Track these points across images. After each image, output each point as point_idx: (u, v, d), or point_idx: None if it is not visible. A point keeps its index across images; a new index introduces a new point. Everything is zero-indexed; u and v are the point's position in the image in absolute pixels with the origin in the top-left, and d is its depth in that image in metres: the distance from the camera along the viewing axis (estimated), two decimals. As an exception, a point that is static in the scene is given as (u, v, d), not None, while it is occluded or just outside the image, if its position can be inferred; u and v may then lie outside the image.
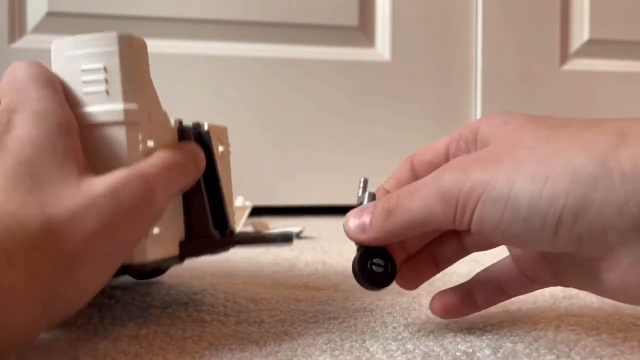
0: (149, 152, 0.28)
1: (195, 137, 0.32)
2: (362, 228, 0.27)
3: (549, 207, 0.21)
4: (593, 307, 0.35)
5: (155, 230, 0.29)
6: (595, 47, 1.07)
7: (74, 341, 0.28)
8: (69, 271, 0.23)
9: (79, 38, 0.29)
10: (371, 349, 0.27)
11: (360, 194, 0.30)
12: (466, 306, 0.30)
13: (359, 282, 0.28)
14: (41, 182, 0.24)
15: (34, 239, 0.22)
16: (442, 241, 0.31)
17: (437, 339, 0.28)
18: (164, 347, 0.27)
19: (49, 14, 0.92)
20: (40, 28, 0.92)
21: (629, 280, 0.22)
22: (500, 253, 0.30)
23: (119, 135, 0.28)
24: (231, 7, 0.97)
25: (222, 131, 0.36)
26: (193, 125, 0.33)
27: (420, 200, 0.25)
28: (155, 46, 1.02)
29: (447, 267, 0.32)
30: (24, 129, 0.25)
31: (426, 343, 0.28)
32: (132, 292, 0.39)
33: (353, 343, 0.28)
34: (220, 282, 0.43)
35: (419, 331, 0.30)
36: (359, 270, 0.28)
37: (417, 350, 0.27)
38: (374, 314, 0.33)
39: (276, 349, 0.27)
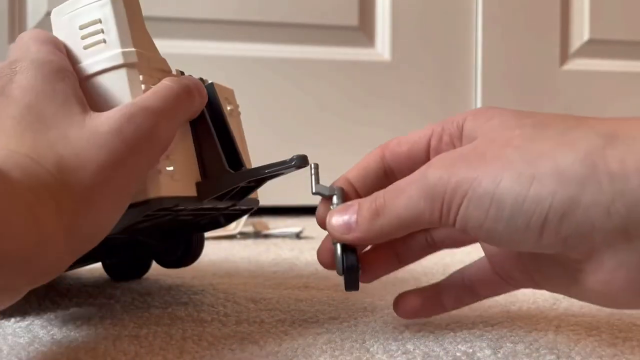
0: None
1: None
2: (348, 228, 0.26)
3: (535, 208, 0.21)
4: (593, 307, 0.35)
5: (169, 167, 0.29)
6: (595, 47, 1.07)
7: (74, 341, 0.28)
8: (86, 203, 0.24)
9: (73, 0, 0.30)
10: (371, 349, 0.27)
11: (314, 182, 0.29)
12: (431, 307, 0.30)
13: (351, 282, 0.28)
14: (47, 123, 0.25)
15: (51, 175, 0.24)
16: (408, 235, 0.29)
17: (437, 339, 0.28)
18: (164, 347, 0.27)
19: (49, 14, 0.92)
20: (40, 28, 0.92)
21: (613, 283, 0.22)
22: (472, 251, 0.30)
23: (121, 78, 0.29)
24: (231, 7, 0.97)
25: (229, 92, 0.36)
26: (197, 78, 0.33)
27: (407, 200, 0.24)
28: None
29: (411, 262, 0.31)
30: (24, 76, 0.27)
31: (426, 343, 0.28)
32: (132, 292, 0.39)
33: (353, 343, 0.28)
34: (220, 282, 0.43)
35: (419, 331, 0.30)
36: (355, 270, 0.28)
37: (417, 351, 0.27)
38: (374, 314, 0.33)
39: (276, 349, 0.27)
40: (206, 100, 0.31)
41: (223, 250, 0.61)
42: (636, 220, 0.20)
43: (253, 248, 0.63)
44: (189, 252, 0.41)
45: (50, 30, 0.31)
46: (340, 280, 0.28)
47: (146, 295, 0.38)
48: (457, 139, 0.26)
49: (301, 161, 0.31)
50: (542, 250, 0.23)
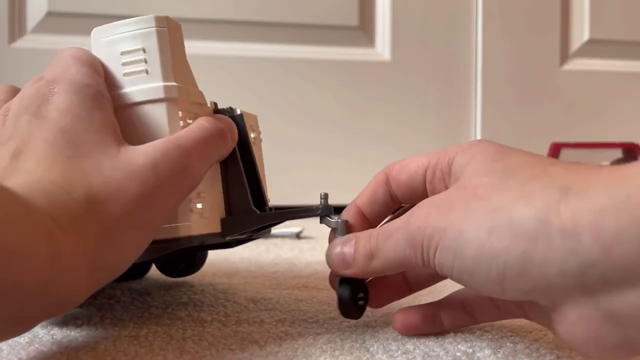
0: None
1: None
2: (345, 263, 0.28)
3: (492, 262, 0.21)
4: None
5: (199, 205, 0.29)
6: (595, 47, 1.07)
7: (74, 341, 0.28)
8: (111, 236, 0.24)
9: (117, 23, 0.30)
10: (371, 349, 0.27)
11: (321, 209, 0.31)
12: (430, 325, 0.30)
13: (348, 314, 0.29)
14: (81, 151, 0.25)
15: (79, 205, 0.23)
16: None
17: (437, 339, 0.28)
18: (164, 347, 0.27)
19: (49, 14, 0.92)
20: (40, 28, 0.92)
21: (576, 335, 0.21)
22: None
23: (160, 112, 0.29)
24: (231, 7, 0.97)
25: (254, 119, 0.36)
26: (226, 108, 0.33)
27: (395, 245, 0.26)
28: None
29: (420, 289, 0.32)
30: (61, 99, 0.26)
31: (426, 343, 0.28)
32: (132, 292, 0.39)
33: (353, 343, 0.28)
34: (220, 282, 0.43)
35: (419, 331, 0.30)
36: (351, 306, 0.29)
37: (417, 351, 0.27)
38: (374, 314, 0.33)
39: (276, 349, 0.27)
40: (236, 141, 0.31)
41: (223, 251, 0.61)
42: (591, 278, 0.20)
43: (253, 248, 0.63)
44: (194, 263, 0.41)
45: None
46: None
47: (146, 295, 0.38)
48: (447, 175, 0.27)
49: (327, 211, 0.31)
50: (509, 299, 0.23)
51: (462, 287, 0.30)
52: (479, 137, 1.04)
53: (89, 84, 0.27)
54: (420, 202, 0.26)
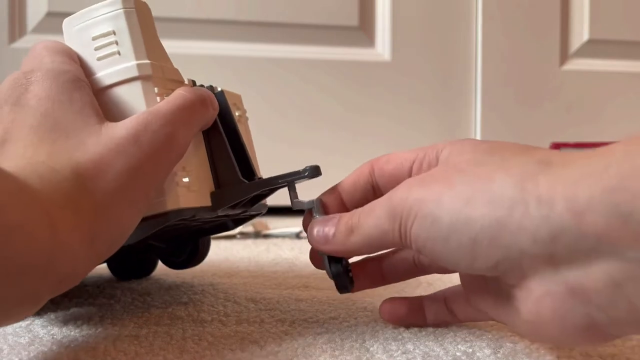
0: None
1: None
2: (326, 240, 0.28)
3: (465, 229, 0.22)
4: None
5: (185, 179, 0.30)
6: (595, 47, 1.07)
7: (74, 341, 0.28)
8: (105, 210, 0.25)
9: (85, 10, 0.30)
10: (371, 349, 0.27)
11: (292, 198, 0.31)
12: (414, 318, 0.30)
13: (341, 285, 0.29)
14: (64, 132, 0.26)
15: (70, 182, 0.24)
16: (395, 254, 0.32)
17: (437, 339, 0.28)
18: (164, 347, 0.27)
19: (49, 14, 0.92)
20: (40, 28, 0.92)
21: (540, 314, 0.21)
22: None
23: (135, 90, 0.29)
24: (231, 7, 0.97)
25: (237, 97, 0.36)
26: (207, 87, 0.33)
27: (376, 219, 0.26)
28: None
29: (395, 281, 0.32)
30: (40, 86, 0.27)
31: (426, 343, 0.28)
32: (132, 292, 0.39)
33: (353, 343, 0.28)
34: (220, 282, 0.43)
35: (420, 331, 0.30)
36: (346, 279, 0.29)
37: (417, 350, 0.27)
38: (374, 313, 0.33)
39: (276, 348, 0.27)
40: (218, 110, 0.32)
41: (223, 250, 0.61)
42: (561, 247, 0.20)
43: (253, 248, 0.63)
44: (197, 253, 0.41)
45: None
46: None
47: (146, 295, 0.38)
48: (434, 166, 0.27)
49: (314, 171, 0.31)
50: (477, 272, 0.23)
51: (446, 287, 0.31)
52: (478, 136, 1.04)
53: (65, 70, 0.28)
54: (405, 180, 0.26)
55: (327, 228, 0.28)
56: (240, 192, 0.32)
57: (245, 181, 0.32)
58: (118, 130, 0.26)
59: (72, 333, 0.30)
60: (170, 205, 0.29)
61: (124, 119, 0.28)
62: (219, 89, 0.34)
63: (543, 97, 1.06)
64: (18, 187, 0.21)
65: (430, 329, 0.30)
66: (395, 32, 1.01)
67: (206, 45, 0.96)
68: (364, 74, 1.01)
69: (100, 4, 0.30)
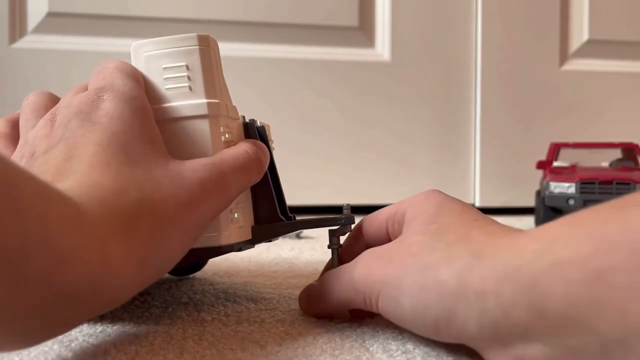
0: (227, 143, 0.31)
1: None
2: (305, 301, 0.34)
3: (425, 314, 0.24)
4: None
5: (237, 215, 0.31)
6: (595, 47, 1.07)
7: (74, 340, 0.28)
8: (159, 238, 0.25)
9: (159, 39, 0.31)
10: (371, 348, 0.27)
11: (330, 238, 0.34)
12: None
13: None
14: (133, 157, 0.26)
15: (130, 208, 0.24)
16: None
17: (437, 338, 0.28)
18: (165, 347, 0.27)
19: (50, 15, 0.92)
20: (40, 28, 0.92)
21: None
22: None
23: (203, 128, 0.30)
24: (230, 7, 0.97)
25: (268, 128, 0.37)
26: (251, 121, 0.35)
27: (341, 289, 0.30)
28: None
29: None
30: (112, 105, 0.27)
31: (426, 343, 0.28)
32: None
33: (353, 343, 0.28)
34: (220, 282, 0.43)
35: (419, 331, 0.30)
36: None
37: (417, 350, 0.27)
38: (374, 313, 0.33)
39: (277, 348, 0.27)
40: (266, 168, 0.33)
41: (223, 250, 0.61)
42: (501, 333, 0.22)
43: (253, 248, 0.63)
44: (200, 263, 0.43)
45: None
46: None
47: (146, 295, 0.38)
48: (401, 226, 0.30)
49: (350, 221, 0.34)
50: (445, 341, 0.25)
51: None
52: (478, 136, 1.04)
53: (136, 96, 0.28)
54: (364, 252, 0.29)
55: (303, 294, 0.34)
56: (280, 229, 0.34)
57: (284, 219, 0.34)
58: (185, 170, 0.27)
59: (73, 333, 0.30)
60: (224, 240, 0.31)
61: (186, 151, 0.29)
62: (260, 124, 0.35)
63: (543, 97, 1.06)
64: (75, 213, 0.21)
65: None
66: (395, 32, 1.01)
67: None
68: (364, 74, 1.01)
69: (176, 36, 0.31)
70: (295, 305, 0.36)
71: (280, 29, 0.99)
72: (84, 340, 0.28)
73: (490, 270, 0.22)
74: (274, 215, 0.34)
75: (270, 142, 0.37)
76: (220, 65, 0.32)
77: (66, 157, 0.25)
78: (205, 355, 0.26)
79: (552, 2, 1.05)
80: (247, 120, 0.34)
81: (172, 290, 0.40)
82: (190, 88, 0.30)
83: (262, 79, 0.98)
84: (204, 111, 0.30)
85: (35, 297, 0.19)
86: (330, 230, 0.34)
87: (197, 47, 0.30)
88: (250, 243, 0.34)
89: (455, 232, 0.26)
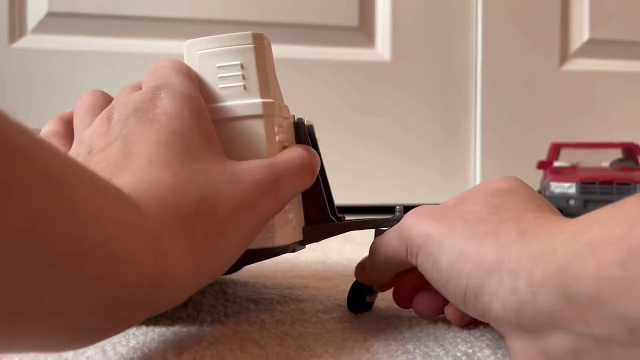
0: (281, 144, 0.31)
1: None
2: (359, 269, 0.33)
3: (457, 280, 0.24)
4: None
5: (290, 215, 0.31)
6: (595, 47, 1.07)
7: (74, 341, 0.28)
8: (216, 238, 0.25)
9: (213, 37, 0.30)
10: (371, 349, 0.27)
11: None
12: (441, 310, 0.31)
13: (351, 305, 0.34)
14: (192, 156, 0.26)
15: (189, 207, 0.24)
16: None
17: (438, 339, 0.28)
18: (164, 347, 0.27)
19: (50, 14, 0.92)
20: (40, 28, 0.92)
21: None
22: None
23: (258, 128, 0.30)
24: (230, 7, 0.97)
25: (313, 127, 0.37)
26: (297, 119, 0.35)
27: (388, 238, 0.30)
28: (156, 46, 1.02)
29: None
30: (169, 104, 0.27)
31: (426, 343, 0.28)
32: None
33: (353, 343, 0.28)
34: (220, 282, 0.43)
35: (420, 331, 0.30)
36: (354, 302, 0.34)
37: (417, 351, 0.27)
38: (374, 314, 0.33)
39: (277, 349, 0.27)
40: (317, 172, 0.33)
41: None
42: (524, 318, 0.21)
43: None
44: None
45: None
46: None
47: (146, 295, 0.38)
48: None
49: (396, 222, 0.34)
50: (471, 315, 0.25)
51: None
52: (478, 137, 1.04)
53: (193, 96, 0.28)
54: (417, 207, 0.29)
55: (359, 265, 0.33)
56: (331, 230, 0.34)
57: (335, 220, 0.34)
58: (242, 170, 0.27)
59: (72, 333, 0.30)
60: (278, 241, 0.30)
61: (240, 151, 0.29)
62: (309, 123, 0.35)
63: (543, 97, 1.06)
64: (132, 211, 0.21)
65: (431, 329, 0.30)
66: (395, 32, 1.01)
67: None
68: (364, 74, 1.01)
69: (231, 34, 0.30)
70: (294, 305, 0.36)
71: (280, 28, 0.99)
72: (83, 341, 0.28)
73: (527, 250, 0.22)
74: (324, 216, 0.34)
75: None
76: (273, 64, 0.32)
77: (125, 154, 0.25)
78: (204, 356, 0.26)
79: (552, 2, 1.05)
80: (296, 119, 0.34)
81: (172, 290, 0.40)
82: (244, 87, 0.30)
83: (262, 78, 0.98)
84: (259, 111, 0.30)
85: (92, 298, 0.19)
86: (376, 231, 0.33)
87: (252, 45, 0.30)
88: (301, 244, 0.33)
89: (513, 211, 0.26)
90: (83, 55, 0.92)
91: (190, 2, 0.95)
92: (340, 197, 1.03)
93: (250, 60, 0.30)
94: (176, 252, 0.22)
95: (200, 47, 0.30)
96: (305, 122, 0.35)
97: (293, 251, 0.33)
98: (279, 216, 0.30)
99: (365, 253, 0.33)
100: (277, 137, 0.30)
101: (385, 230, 0.32)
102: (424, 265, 0.27)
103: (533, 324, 0.21)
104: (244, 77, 0.30)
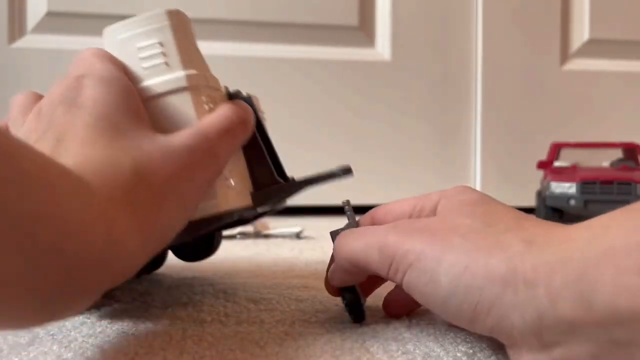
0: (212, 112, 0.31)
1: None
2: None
3: (465, 296, 0.23)
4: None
5: (232, 182, 0.32)
6: (595, 47, 1.07)
7: (73, 341, 0.28)
8: (160, 205, 0.26)
9: (129, 20, 0.31)
10: (371, 349, 0.27)
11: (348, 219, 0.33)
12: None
13: (358, 318, 0.32)
14: (121, 133, 0.26)
15: (127, 177, 0.25)
16: None
17: (438, 339, 0.28)
18: (164, 347, 0.27)
19: (49, 14, 0.92)
20: (40, 28, 0.92)
21: None
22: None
23: (185, 100, 0.30)
24: (231, 7, 0.97)
25: (256, 100, 0.37)
26: (236, 91, 0.35)
27: (365, 244, 0.28)
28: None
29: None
30: (95, 90, 0.27)
31: (426, 344, 0.28)
32: (132, 292, 0.39)
33: (353, 343, 0.28)
34: (220, 282, 0.43)
35: (420, 332, 0.30)
36: (359, 309, 0.32)
37: (417, 351, 0.27)
38: (374, 314, 0.33)
39: (277, 349, 0.27)
40: (253, 127, 0.33)
41: (223, 250, 0.61)
42: (545, 327, 0.21)
43: (253, 248, 0.63)
44: (211, 247, 0.43)
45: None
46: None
47: (146, 295, 0.38)
48: (432, 215, 0.29)
49: (347, 172, 0.34)
50: (473, 331, 0.25)
51: None
52: (479, 136, 1.04)
53: (118, 77, 0.28)
54: (403, 220, 0.29)
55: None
56: (279, 192, 0.34)
57: (282, 181, 0.34)
58: (171, 140, 0.27)
59: (72, 333, 0.30)
60: (223, 206, 0.31)
61: (174, 126, 0.29)
62: (249, 95, 0.35)
63: (543, 96, 1.06)
64: (76, 184, 0.22)
65: (431, 330, 0.30)
66: (395, 32, 1.01)
67: (205, 45, 0.96)
68: (364, 73, 1.01)
69: (144, 15, 0.31)
70: (294, 305, 0.36)
71: (280, 28, 0.99)
72: (83, 341, 0.28)
73: (542, 259, 0.22)
74: (271, 179, 0.34)
75: (261, 113, 0.36)
76: (194, 37, 0.32)
77: (57, 142, 0.26)
78: (204, 356, 0.26)
79: (552, 2, 1.05)
80: (231, 90, 0.34)
81: (172, 290, 0.40)
82: (166, 64, 0.30)
83: (262, 78, 0.98)
84: (183, 83, 0.30)
85: (46, 266, 0.19)
86: (331, 233, 0.33)
87: (168, 22, 0.30)
88: (251, 209, 0.33)
89: (506, 220, 0.25)
90: (83, 55, 0.92)
91: (189, 2, 0.95)
92: (339, 197, 1.03)
93: (168, 37, 0.30)
94: (122, 222, 0.23)
95: (119, 32, 0.31)
96: (245, 94, 0.35)
97: (243, 218, 0.33)
98: (220, 182, 0.31)
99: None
100: (207, 107, 0.31)
101: (340, 230, 0.32)
102: (415, 282, 0.25)
103: (553, 332, 0.21)
104: (164, 54, 0.30)
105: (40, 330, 0.30)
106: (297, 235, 0.71)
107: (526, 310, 0.22)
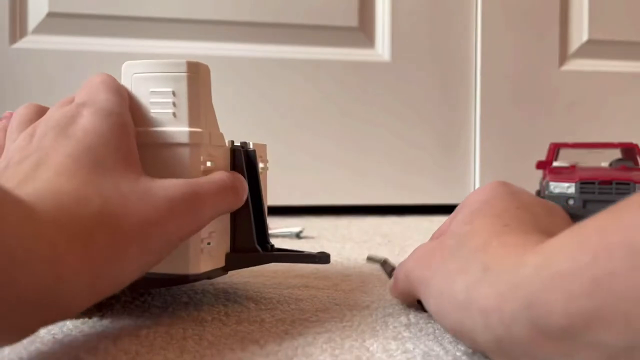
0: (207, 172, 0.31)
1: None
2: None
3: (442, 321, 0.26)
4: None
5: (209, 243, 0.31)
6: (594, 47, 1.07)
7: (74, 340, 0.28)
8: (118, 250, 0.25)
9: (149, 61, 0.31)
10: (371, 348, 0.27)
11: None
12: None
13: None
14: (102, 170, 0.26)
15: (90, 217, 0.24)
16: None
17: (437, 338, 0.29)
18: (165, 347, 0.27)
19: (50, 15, 0.92)
20: (41, 29, 0.92)
21: None
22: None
23: (183, 155, 0.30)
24: (230, 7, 0.97)
25: (263, 148, 0.38)
26: (241, 144, 0.35)
27: (400, 279, 0.33)
28: (154, 47, 1.02)
29: None
30: (90, 120, 0.27)
31: (426, 343, 0.28)
32: (132, 292, 0.39)
33: (353, 342, 0.28)
34: (220, 282, 0.43)
35: (420, 331, 0.30)
36: None
37: (417, 350, 0.27)
38: (374, 313, 0.33)
39: (277, 348, 0.27)
40: (243, 201, 0.33)
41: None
42: (505, 350, 0.21)
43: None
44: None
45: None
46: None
47: (146, 295, 0.38)
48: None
49: (325, 260, 0.34)
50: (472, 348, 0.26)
51: None
52: (478, 137, 1.04)
53: (117, 112, 0.28)
54: (418, 247, 0.31)
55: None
56: (254, 260, 0.34)
57: (260, 249, 0.34)
58: (155, 187, 0.27)
59: (73, 332, 0.30)
60: (192, 269, 0.30)
61: (165, 175, 0.29)
62: (251, 146, 0.35)
63: (542, 97, 1.06)
64: (27, 216, 0.21)
65: (431, 329, 0.30)
66: (395, 32, 1.01)
67: (204, 45, 0.96)
68: (364, 74, 1.01)
69: (166, 60, 0.31)
70: (295, 305, 0.36)
71: (279, 29, 0.99)
72: (84, 340, 0.29)
73: (493, 287, 0.22)
74: (250, 245, 0.34)
75: (265, 163, 0.36)
76: (210, 92, 0.32)
77: (36, 166, 0.25)
78: (205, 355, 0.26)
79: (552, 2, 1.05)
80: (236, 144, 0.34)
81: (172, 290, 0.40)
82: (174, 115, 0.30)
83: (262, 78, 0.98)
84: (186, 140, 0.30)
85: None
86: (385, 266, 0.35)
87: (185, 74, 0.30)
88: (222, 270, 0.33)
89: (480, 238, 0.26)
90: (83, 56, 0.92)
91: (190, 2, 0.95)
92: (339, 197, 1.03)
93: (182, 88, 0.30)
94: (72, 260, 0.22)
95: (136, 70, 0.31)
96: (251, 146, 0.35)
97: (209, 278, 0.33)
98: (195, 243, 0.30)
99: (364, 252, 0.33)
100: (202, 166, 0.30)
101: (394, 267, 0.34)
102: (425, 305, 0.28)
103: (513, 354, 0.21)
104: (174, 105, 0.30)
105: (41, 330, 0.30)
106: (297, 235, 0.71)
107: (484, 334, 0.22)
